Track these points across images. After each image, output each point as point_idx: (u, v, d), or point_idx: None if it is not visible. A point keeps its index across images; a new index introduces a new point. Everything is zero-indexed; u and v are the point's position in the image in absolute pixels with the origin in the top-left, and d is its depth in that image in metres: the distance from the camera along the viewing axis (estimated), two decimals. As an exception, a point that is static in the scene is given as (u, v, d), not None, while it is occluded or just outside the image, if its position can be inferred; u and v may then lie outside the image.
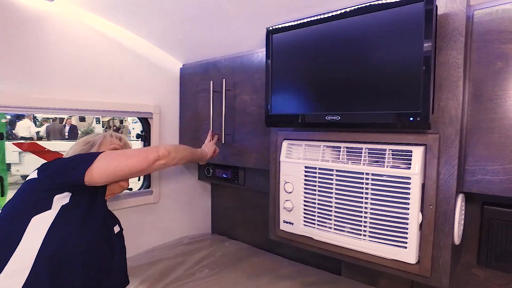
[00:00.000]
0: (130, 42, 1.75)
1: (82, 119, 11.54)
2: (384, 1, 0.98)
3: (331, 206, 1.17)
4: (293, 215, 1.28)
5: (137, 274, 1.57)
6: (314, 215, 1.22)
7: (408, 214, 1.02)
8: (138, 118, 1.89)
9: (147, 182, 1.92)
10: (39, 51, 1.43)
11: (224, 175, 1.94)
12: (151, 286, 1.50)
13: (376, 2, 1.00)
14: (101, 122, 12.53)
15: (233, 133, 1.67)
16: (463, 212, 1.15)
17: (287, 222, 1.31)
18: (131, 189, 1.88)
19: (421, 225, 1.03)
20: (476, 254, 1.28)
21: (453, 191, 0.99)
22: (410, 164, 1.00)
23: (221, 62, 1.71)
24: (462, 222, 1.16)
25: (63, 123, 10.11)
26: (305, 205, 1.24)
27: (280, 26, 1.22)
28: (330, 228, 1.19)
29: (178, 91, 1.98)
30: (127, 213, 1.78)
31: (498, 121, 0.99)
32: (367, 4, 1.02)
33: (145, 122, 1.90)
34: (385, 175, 1.05)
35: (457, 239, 1.08)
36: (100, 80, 1.64)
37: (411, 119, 0.94)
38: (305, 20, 1.15)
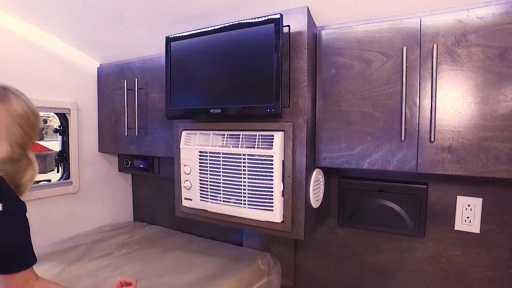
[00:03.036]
0: (44, 41, 1.86)
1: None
2: (248, 21, 1.28)
3: (219, 183, 1.45)
4: (191, 192, 1.54)
5: (56, 257, 1.71)
6: (207, 191, 1.49)
7: (273, 184, 1.33)
8: (56, 113, 2.01)
9: (67, 173, 2.04)
10: None
11: (141, 166, 2.14)
12: (68, 266, 1.65)
13: (243, 21, 1.30)
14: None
15: (146, 127, 1.89)
16: (321, 183, 1.51)
17: (187, 199, 1.57)
18: (49, 180, 2.00)
19: (283, 192, 1.35)
20: (336, 217, 1.65)
21: (304, 165, 1.32)
22: (272, 145, 1.32)
23: (134, 63, 1.91)
24: (321, 191, 1.51)
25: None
26: (200, 183, 1.51)
27: (177, 35, 1.47)
28: (220, 200, 1.47)
29: (96, 88, 2.13)
30: (46, 203, 1.90)
31: (335, 113, 1.34)
32: (236, 23, 1.31)
33: (63, 117, 2.02)
34: (256, 155, 1.35)
35: (314, 203, 1.43)
36: (11, 76, 1.70)
37: (268, 110, 1.25)
38: (195, 32, 1.42)
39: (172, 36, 1.48)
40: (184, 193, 1.57)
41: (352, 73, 1.29)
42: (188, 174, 1.53)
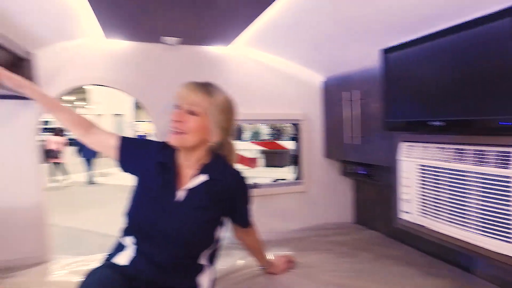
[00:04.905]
0: (281, 65, 2.29)
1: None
2: (477, 18, 1.12)
3: (440, 200, 1.34)
4: (410, 206, 1.50)
5: (290, 244, 2.06)
6: (427, 207, 1.41)
7: (510, 211, 1.11)
8: (291, 123, 2.43)
9: (298, 175, 2.42)
10: (221, 79, 2.03)
11: (362, 172, 2.22)
12: (299, 254, 1.92)
13: (472, 19, 1.14)
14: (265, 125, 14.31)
15: (366, 135, 1.96)
16: None
17: (405, 212, 1.53)
18: (284, 179, 2.42)
19: (528, 222, 1.10)
20: None
21: (559, 191, 1.03)
22: (509, 164, 1.10)
23: (353, 75, 2.02)
24: None
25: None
26: (419, 198, 1.44)
27: (393, 46, 1.46)
28: (441, 219, 1.35)
29: (320, 101, 2.41)
30: (282, 198, 2.33)
31: None
32: (462, 23, 1.18)
33: (296, 126, 2.40)
34: (486, 173, 1.17)
35: None
36: (262, 96, 2.25)
37: (502, 123, 1.06)
38: (413, 39, 1.36)
39: (388, 47, 1.48)
40: (403, 205, 1.54)
41: None
42: (407, 187, 1.50)
